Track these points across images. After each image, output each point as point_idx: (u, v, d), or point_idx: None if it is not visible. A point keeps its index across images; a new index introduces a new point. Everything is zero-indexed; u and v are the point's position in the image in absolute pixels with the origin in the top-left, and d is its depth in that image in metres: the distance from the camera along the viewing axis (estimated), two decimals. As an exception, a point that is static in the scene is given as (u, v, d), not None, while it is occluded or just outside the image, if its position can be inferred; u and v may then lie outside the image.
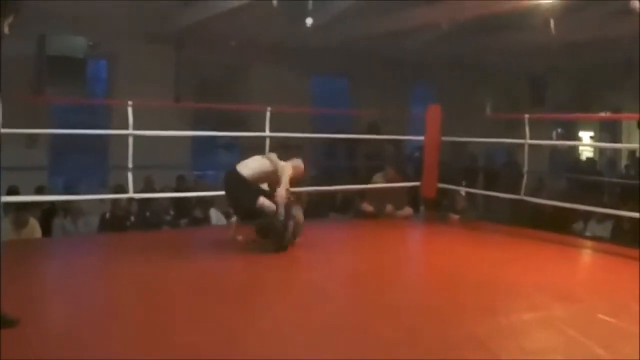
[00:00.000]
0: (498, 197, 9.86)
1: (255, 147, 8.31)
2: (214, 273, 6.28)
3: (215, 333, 4.42)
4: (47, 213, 10.26)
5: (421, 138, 10.26)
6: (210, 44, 13.31)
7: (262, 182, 7.21)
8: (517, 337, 4.45)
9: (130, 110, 7.92)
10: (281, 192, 6.93)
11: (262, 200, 6.90)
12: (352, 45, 14.58)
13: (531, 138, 8.83)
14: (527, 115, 8.84)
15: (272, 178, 7.16)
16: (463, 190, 9.90)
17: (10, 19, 4.34)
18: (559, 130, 19.57)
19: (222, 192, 7.54)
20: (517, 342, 4.31)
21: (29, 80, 11.58)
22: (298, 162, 7.52)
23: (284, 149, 12.21)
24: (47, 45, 11.63)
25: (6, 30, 4.35)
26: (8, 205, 8.02)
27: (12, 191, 9.46)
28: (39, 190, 10.94)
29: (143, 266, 6.33)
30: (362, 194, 10.37)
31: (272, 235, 6.98)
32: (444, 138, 9.90)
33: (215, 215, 10.44)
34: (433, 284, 6.16)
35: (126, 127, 7.99)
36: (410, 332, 4.49)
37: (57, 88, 11.92)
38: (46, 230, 9.60)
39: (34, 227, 8.86)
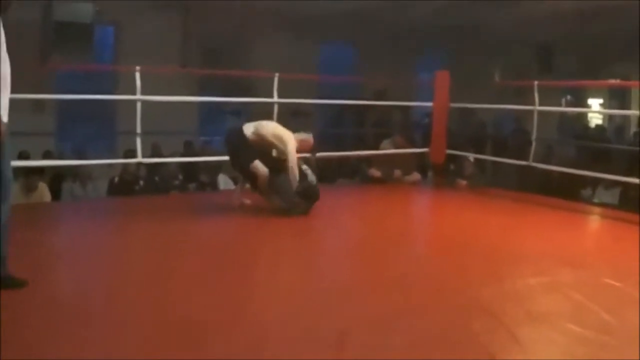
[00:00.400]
0: (506, 164, 9.85)
1: (262, 114, 8.29)
2: (221, 238, 6.32)
3: (222, 297, 4.46)
4: (56, 178, 10.29)
5: (430, 104, 10.25)
6: (217, 12, 13.24)
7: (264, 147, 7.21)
8: (522, 301, 4.45)
9: (138, 75, 7.93)
10: (292, 157, 7.02)
11: (256, 164, 6.99)
12: (359, 12, 14.47)
13: (540, 105, 8.80)
14: (536, 82, 8.81)
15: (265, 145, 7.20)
16: (471, 156, 9.88)
17: None
18: (568, 97, 19.47)
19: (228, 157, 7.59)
20: (523, 306, 4.31)
21: (35, 46, 11.57)
22: (306, 136, 7.48)
23: (293, 116, 12.24)
24: (54, 10, 11.58)
25: None
26: (18, 169, 8.05)
27: (22, 156, 9.51)
28: (47, 155, 10.97)
29: (152, 230, 6.40)
30: (370, 159, 10.38)
31: (304, 198, 7.10)
32: (453, 104, 9.88)
33: (224, 181, 10.44)
34: (439, 250, 6.18)
35: (133, 94, 8.01)
36: (416, 298, 4.53)
37: (64, 54, 11.90)
38: (55, 194, 9.63)
39: (43, 191, 8.90)
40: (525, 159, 8.84)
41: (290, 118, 11.67)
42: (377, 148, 10.22)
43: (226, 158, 7.80)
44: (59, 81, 12.93)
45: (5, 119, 4.31)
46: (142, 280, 4.93)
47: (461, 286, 4.82)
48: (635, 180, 8.22)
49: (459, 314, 4.22)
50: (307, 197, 7.10)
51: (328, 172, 11.56)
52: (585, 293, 4.55)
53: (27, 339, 3.66)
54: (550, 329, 3.92)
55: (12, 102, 4.42)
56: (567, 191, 9.29)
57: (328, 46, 16.59)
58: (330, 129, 16.20)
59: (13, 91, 4.44)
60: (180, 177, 10.65)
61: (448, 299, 4.52)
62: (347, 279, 5.14)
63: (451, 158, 9.94)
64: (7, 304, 4.14)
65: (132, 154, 9.00)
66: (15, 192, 7.91)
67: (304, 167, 7.23)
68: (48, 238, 6.24)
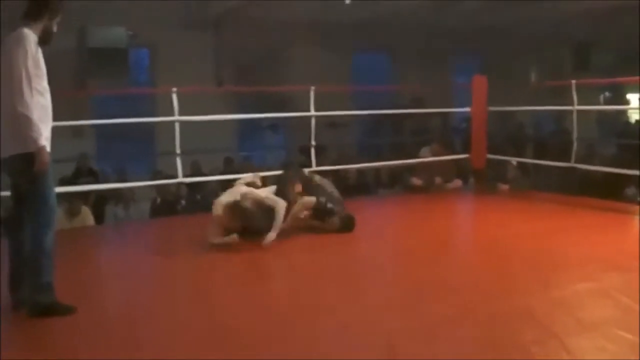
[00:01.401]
0: (547, 166, 9.75)
1: (300, 127, 8.31)
2: (264, 253, 6.29)
3: (269, 311, 4.52)
4: (99, 201, 10.38)
5: (467, 110, 10.20)
6: (249, 28, 13.31)
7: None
8: (571, 309, 4.39)
9: (175, 96, 8.00)
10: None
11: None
12: (391, 19, 14.44)
13: (578, 104, 8.69)
14: (574, 81, 8.69)
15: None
16: (514, 160, 9.80)
17: (59, 18, 4.58)
18: (606, 94, 19.21)
19: (271, 172, 7.59)
20: (572, 314, 4.26)
21: (71, 73, 11.72)
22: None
23: (330, 128, 12.22)
24: (88, 37, 11.73)
25: (55, 28, 4.53)
26: (60, 195, 8.15)
27: (64, 181, 9.62)
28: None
29: (195, 248, 6.41)
30: (410, 168, 10.34)
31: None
32: (491, 108, 9.80)
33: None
34: (484, 258, 6.12)
35: (171, 114, 8.07)
36: (462, 307, 4.48)
37: (100, 79, 12.05)
38: (98, 218, 9.70)
39: (86, 215, 8.97)
40: (567, 159, 8.74)
41: (328, 130, 11.72)
42: (416, 156, 10.18)
43: (268, 173, 7.84)
44: (97, 105, 13.11)
45: (48, 149, 4.40)
46: (189, 297, 5.02)
47: (508, 293, 4.78)
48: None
49: (507, 322, 4.19)
50: (345, 227, 7.00)
51: (368, 183, 11.57)
52: (634, 297, 4.46)
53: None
54: (601, 337, 3.85)
55: (53, 129, 4.52)
56: (610, 190, 9.16)
57: (361, 55, 16.59)
58: (368, 138, 16.20)
59: (54, 119, 4.54)
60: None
61: (495, 307, 4.48)
62: (393, 289, 5.15)
63: (492, 162, 9.86)
64: (54, 329, 4.24)
65: (159, 175, 8.99)
66: (58, 217, 8.04)
67: (322, 199, 7.12)
68: (93, 262, 6.32)
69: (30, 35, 4.39)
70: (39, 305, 4.40)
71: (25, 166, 4.37)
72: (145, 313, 4.63)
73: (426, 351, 3.75)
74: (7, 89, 4.37)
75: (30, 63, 4.34)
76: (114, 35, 11.95)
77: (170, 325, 4.31)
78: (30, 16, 4.49)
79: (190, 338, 4.05)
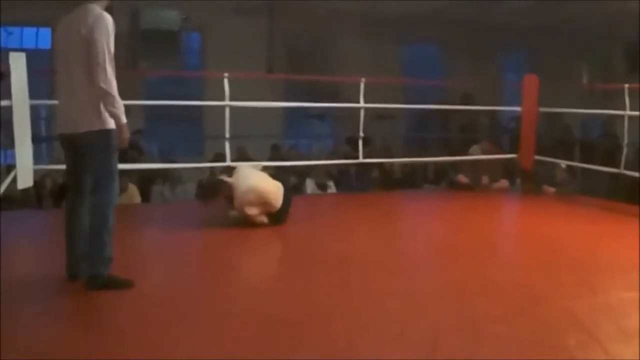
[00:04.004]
0: (595, 170, 9.64)
1: (348, 117, 8.32)
2: (309, 241, 6.36)
3: (312, 302, 4.51)
4: (145, 180, 10.49)
5: (517, 109, 10.13)
6: (302, 15, 13.33)
7: None
8: (615, 316, 4.36)
9: (226, 81, 8.06)
10: None
11: None
12: (442, 12, 14.37)
13: (630, 109, 8.57)
14: (627, 85, 8.58)
15: None
16: (563, 162, 9.70)
17: None
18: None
19: (317, 162, 7.58)
20: (616, 321, 4.22)
21: (124, 54, 11.84)
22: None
23: (379, 120, 12.19)
24: (141, 19, 11.84)
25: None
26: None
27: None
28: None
29: (240, 231, 6.50)
30: (457, 165, 10.30)
31: None
32: (541, 109, 9.71)
33: (311, 186, 10.46)
34: (529, 258, 6.10)
35: (220, 98, 8.14)
36: (506, 306, 4.48)
37: (152, 61, 12.15)
38: (145, 196, 9.81)
39: (133, 192, 9.08)
40: (615, 164, 8.64)
41: (375, 122, 11.71)
42: (463, 153, 10.13)
43: (315, 162, 7.83)
44: (146, 86, 13.22)
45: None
46: (232, 280, 5.06)
47: (552, 296, 4.75)
48: None
49: (550, 324, 4.17)
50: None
51: (414, 177, 11.55)
52: (681, 309, 4.41)
53: (124, 338, 3.81)
54: (644, 347, 3.83)
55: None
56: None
57: (413, 47, 16.55)
58: (415, 132, 16.16)
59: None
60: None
61: (539, 308, 4.47)
62: (436, 285, 5.14)
63: (539, 164, 9.77)
64: (103, 301, 4.34)
65: (222, 157, 9.13)
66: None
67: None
68: (139, 239, 6.40)
69: (108, 15, 4.47)
70: (99, 278, 4.49)
71: (101, 142, 4.48)
72: (188, 290, 4.74)
73: (469, 347, 3.76)
74: (78, 65, 4.44)
75: (111, 41, 4.43)
76: (167, 18, 12.04)
77: (213, 306, 4.36)
78: None
79: (234, 318, 4.14)
